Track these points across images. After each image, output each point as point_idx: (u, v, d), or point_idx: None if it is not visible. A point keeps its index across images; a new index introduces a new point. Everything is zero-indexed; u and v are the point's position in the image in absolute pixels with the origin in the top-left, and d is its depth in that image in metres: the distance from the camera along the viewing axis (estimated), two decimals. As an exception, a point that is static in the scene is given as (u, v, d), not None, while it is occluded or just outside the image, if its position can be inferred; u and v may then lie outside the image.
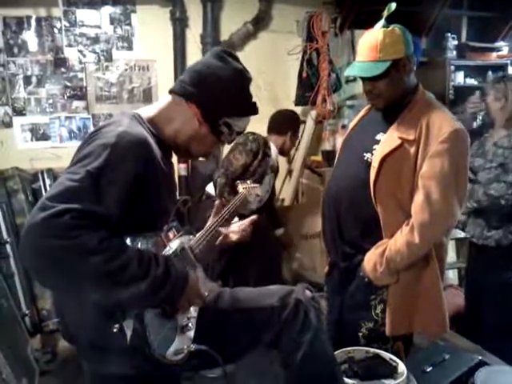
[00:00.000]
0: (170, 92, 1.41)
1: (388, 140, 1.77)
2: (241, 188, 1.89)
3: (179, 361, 1.25)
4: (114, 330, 1.15)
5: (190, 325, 1.33)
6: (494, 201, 2.56)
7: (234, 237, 1.62)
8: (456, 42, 4.01)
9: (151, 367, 1.25)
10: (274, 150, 3.07)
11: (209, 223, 1.60)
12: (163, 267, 1.14)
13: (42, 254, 1.03)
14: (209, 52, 1.42)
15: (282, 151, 3.22)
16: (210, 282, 1.52)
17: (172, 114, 1.37)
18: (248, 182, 2.35)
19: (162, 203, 1.33)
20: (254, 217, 1.68)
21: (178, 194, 3.49)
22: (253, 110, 1.42)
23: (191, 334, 1.33)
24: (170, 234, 1.37)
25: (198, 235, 1.53)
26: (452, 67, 3.92)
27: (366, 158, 1.80)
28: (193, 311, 1.36)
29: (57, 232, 1.01)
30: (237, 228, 1.64)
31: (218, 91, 1.35)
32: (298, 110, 4.16)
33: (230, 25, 3.87)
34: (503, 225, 2.65)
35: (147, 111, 1.38)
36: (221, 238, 1.59)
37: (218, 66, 1.36)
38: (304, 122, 4.13)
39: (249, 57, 3.96)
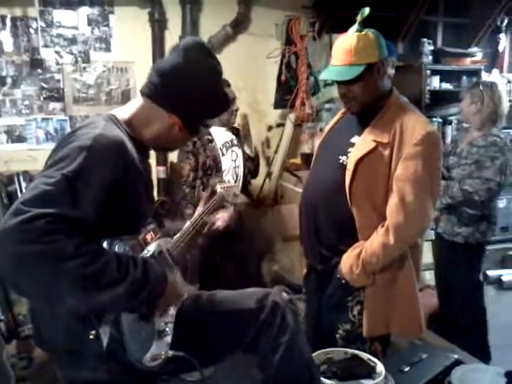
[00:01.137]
0: (143, 94, 1.38)
1: (362, 143, 1.79)
2: (219, 188, 1.90)
3: (156, 367, 1.25)
4: (91, 337, 1.14)
5: (167, 330, 1.33)
6: (468, 196, 2.63)
7: (220, 225, 1.64)
8: (432, 47, 4.09)
9: (127, 373, 1.24)
10: (217, 130, 2.99)
11: (186, 226, 1.60)
12: (141, 270, 1.13)
13: (18, 260, 1.00)
14: (180, 46, 1.35)
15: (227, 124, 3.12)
16: (188, 285, 1.51)
17: (149, 119, 1.36)
18: (226, 181, 2.36)
19: (139, 205, 1.32)
20: (239, 205, 1.71)
21: (156, 195, 3.48)
22: (227, 103, 1.46)
23: (168, 339, 1.32)
24: (148, 237, 1.36)
25: (175, 237, 1.53)
26: (428, 72, 3.98)
27: (341, 161, 1.82)
28: (170, 316, 1.35)
29: (32, 237, 0.99)
30: (224, 216, 1.67)
31: (199, 102, 1.35)
32: (277, 113, 4.19)
33: (210, 27, 3.87)
34: (473, 223, 2.73)
35: (122, 113, 1.37)
36: (208, 226, 1.60)
37: (188, 66, 1.32)
38: (283, 125, 4.15)
39: (228, 59, 3.95)
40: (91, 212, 1.09)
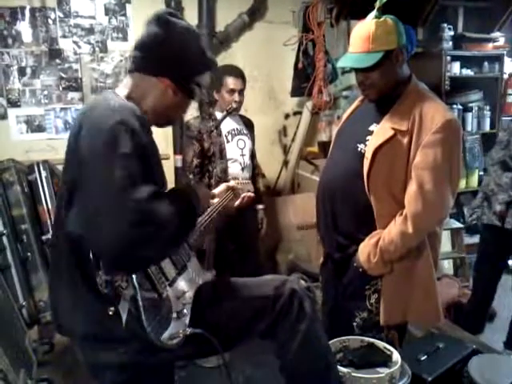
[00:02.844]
0: (131, 71, 1.41)
1: (381, 131, 1.77)
2: (233, 184, 1.90)
3: (174, 345, 1.26)
4: (110, 313, 1.17)
5: (185, 311, 1.34)
6: None
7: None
8: (452, 33, 4.00)
9: (146, 354, 1.26)
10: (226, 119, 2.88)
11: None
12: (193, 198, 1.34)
13: (136, 240, 1.09)
14: (150, 21, 1.39)
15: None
16: (205, 272, 1.53)
17: (144, 91, 1.38)
18: (240, 178, 2.37)
19: (156, 176, 1.37)
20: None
21: (174, 184, 3.50)
22: (213, 62, 1.49)
23: (186, 320, 1.34)
24: None
25: None
26: (448, 58, 3.90)
27: (359, 149, 1.81)
28: (188, 298, 1.37)
29: (144, 218, 1.10)
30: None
31: (182, 57, 1.37)
32: (294, 101, 4.17)
33: (226, 15, 3.85)
34: None
35: (121, 91, 1.39)
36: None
37: (168, 31, 1.36)
38: (300, 113, 4.13)
39: (245, 48, 3.96)
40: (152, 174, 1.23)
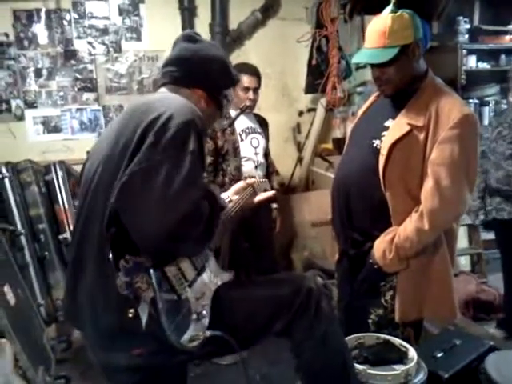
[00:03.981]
0: (164, 85, 1.48)
1: (397, 126, 1.76)
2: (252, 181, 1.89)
3: (194, 348, 1.27)
4: (130, 315, 1.17)
5: (204, 312, 1.34)
6: None
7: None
8: (468, 26, 3.94)
9: (165, 354, 1.26)
10: (240, 117, 2.91)
11: None
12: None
13: (180, 236, 1.15)
14: (179, 39, 1.51)
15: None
16: (223, 272, 1.53)
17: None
18: (257, 177, 2.35)
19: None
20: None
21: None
22: (237, 77, 1.60)
23: (206, 321, 1.33)
24: None
25: None
26: (464, 51, 3.85)
27: (374, 145, 1.79)
28: (206, 299, 1.38)
29: (195, 220, 1.17)
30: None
31: (213, 71, 1.47)
32: (308, 97, 4.16)
33: (239, 13, 3.86)
34: None
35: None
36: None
37: (199, 47, 1.47)
38: (314, 110, 4.11)
39: (258, 45, 3.96)
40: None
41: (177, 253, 1.26)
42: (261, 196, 1.71)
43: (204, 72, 1.46)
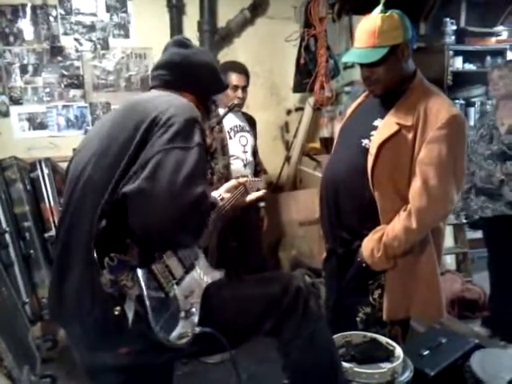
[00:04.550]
0: (154, 88, 1.49)
1: (385, 126, 1.77)
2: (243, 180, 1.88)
3: (183, 345, 1.26)
4: (116, 313, 1.16)
5: (193, 310, 1.33)
6: None
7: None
8: (455, 27, 3.98)
9: (153, 353, 1.26)
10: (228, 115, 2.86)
11: None
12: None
13: (183, 227, 1.16)
14: (170, 44, 1.54)
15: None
16: (213, 270, 1.52)
17: None
18: (249, 176, 2.33)
19: None
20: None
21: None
22: (225, 83, 1.62)
23: (195, 319, 1.33)
24: None
25: None
26: (451, 52, 3.89)
27: (363, 145, 1.80)
28: (196, 297, 1.37)
29: (197, 212, 1.18)
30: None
31: (203, 75, 1.50)
32: (296, 96, 4.16)
33: (227, 11, 3.85)
34: None
35: None
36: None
37: (189, 52, 1.50)
38: (302, 109, 4.12)
39: (246, 43, 3.95)
40: None
41: (174, 242, 1.26)
42: (252, 195, 1.70)
43: (194, 77, 1.48)
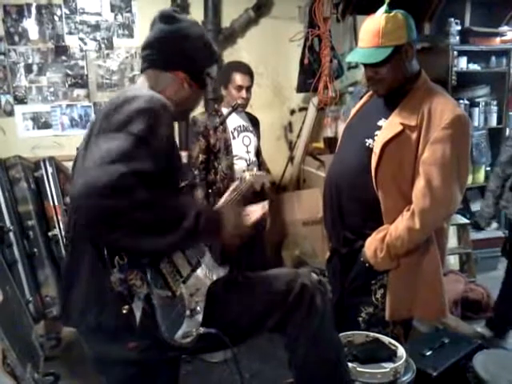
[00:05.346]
0: (145, 70, 1.45)
1: (389, 126, 1.77)
2: (247, 175, 1.89)
3: (188, 344, 1.27)
4: (124, 312, 1.17)
5: (198, 308, 1.34)
6: None
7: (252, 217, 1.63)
8: (459, 27, 3.97)
9: (157, 352, 1.27)
10: (232, 115, 2.83)
11: None
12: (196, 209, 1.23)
13: (104, 214, 1.08)
14: (156, 20, 1.44)
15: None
16: (219, 267, 1.52)
17: (163, 86, 1.41)
18: (254, 169, 2.33)
19: (179, 162, 1.42)
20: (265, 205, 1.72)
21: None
22: (219, 54, 1.54)
23: (199, 317, 1.34)
24: None
25: None
26: (455, 53, 3.87)
27: (367, 144, 1.80)
28: (201, 295, 1.38)
29: (120, 193, 1.08)
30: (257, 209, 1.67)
31: (194, 50, 1.43)
32: (300, 96, 4.16)
33: (232, 11, 3.85)
34: None
35: (142, 87, 1.40)
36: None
37: (176, 27, 1.41)
38: (306, 109, 4.12)
39: (250, 43, 3.96)
40: (157, 167, 1.18)
41: (119, 238, 1.14)
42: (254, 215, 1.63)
43: (183, 53, 1.41)
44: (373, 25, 1.72)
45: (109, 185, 1.06)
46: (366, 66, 1.81)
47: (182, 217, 1.18)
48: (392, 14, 1.72)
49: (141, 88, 1.38)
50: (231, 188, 1.81)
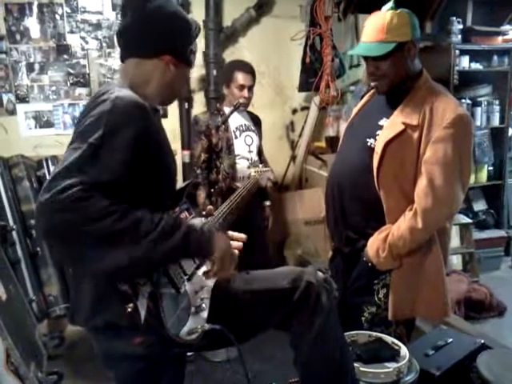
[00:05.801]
0: (125, 58, 1.39)
1: (391, 125, 1.76)
2: (252, 172, 1.89)
3: (193, 340, 1.27)
4: (129, 310, 1.17)
5: (203, 305, 1.35)
6: None
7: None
8: (461, 26, 3.96)
9: (162, 348, 1.27)
10: (234, 114, 2.89)
11: (221, 207, 1.61)
12: (173, 220, 1.20)
13: (56, 230, 1.07)
14: (126, 5, 1.38)
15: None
16: None
17: (144, 74, 1.36)
18: (260, 165, 2.33)
19: (165, 160, 1.36)
20: None
21: (182, 180, 3.51)
22: (197, 26, 1.44)
23: (204, 314, 1.34)
24: (182, 216, 1.40)
25: (209, 219, 1.55)
26: (457, 51, 3.86)
27: (369, 144, 1.80)
28: (206, 292, 1.38)
29: (65, 207, 1.05)
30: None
31: (176, 29, 1.36)
32: (302, 96, 4.16)
33: (233, 10, 3.84)
34: None
35: (122, 82, 1.37)
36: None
37: (155, 9, 1.33)
38: (307, 108, 4.12)
39: (252, 42, 3.95)
40: (121, 174, 1.14)
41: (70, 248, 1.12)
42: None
43: (167, 34, 1.35)
44: (378, 20, 1.73)
45: (56, 199, 1.05)
46: (367, 60, 1.81)
47: (149, 229, 1.13)
48: (397, 11, 1.72)
49: (118, 85, 1.33)
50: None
